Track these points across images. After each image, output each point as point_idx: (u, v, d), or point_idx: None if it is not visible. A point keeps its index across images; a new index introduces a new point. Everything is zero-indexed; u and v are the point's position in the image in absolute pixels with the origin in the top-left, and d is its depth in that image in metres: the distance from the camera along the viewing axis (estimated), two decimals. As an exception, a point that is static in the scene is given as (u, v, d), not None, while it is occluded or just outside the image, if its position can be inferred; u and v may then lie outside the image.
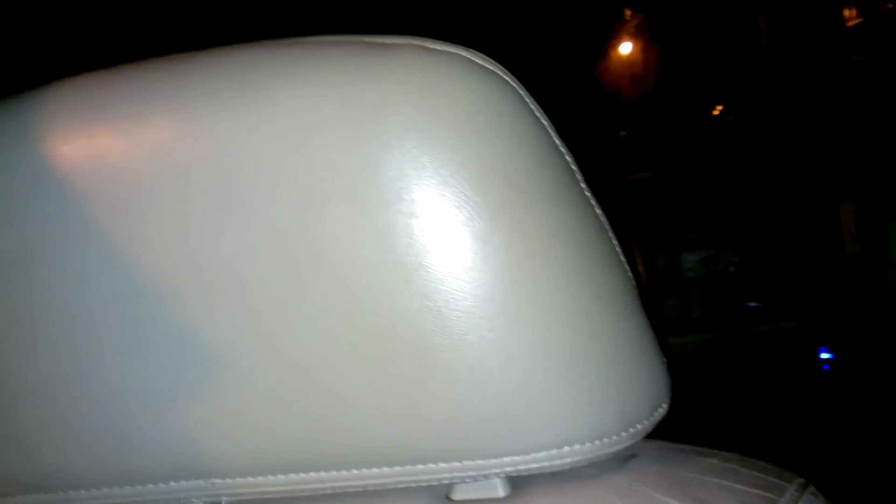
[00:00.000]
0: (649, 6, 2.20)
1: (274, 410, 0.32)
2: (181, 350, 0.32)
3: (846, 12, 2.09)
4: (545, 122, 0.31)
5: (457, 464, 0.32)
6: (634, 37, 2.26)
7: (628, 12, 2.23)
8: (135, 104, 0.31)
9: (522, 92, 0.31)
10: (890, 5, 1.99)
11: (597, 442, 0.32)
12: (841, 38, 2.02)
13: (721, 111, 2.10)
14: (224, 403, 0.32)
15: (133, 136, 0.31)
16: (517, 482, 0.35)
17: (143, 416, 0.34)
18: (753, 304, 1.44)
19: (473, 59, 0.30)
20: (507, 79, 0.30)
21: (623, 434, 0.32)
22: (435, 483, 0.33)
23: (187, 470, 0.34)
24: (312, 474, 0.34)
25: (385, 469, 0.33)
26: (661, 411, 0.34)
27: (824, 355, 1.41)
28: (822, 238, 1.39)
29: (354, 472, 0.33)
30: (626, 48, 2.29)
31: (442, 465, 0.32)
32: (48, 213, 0.33)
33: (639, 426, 0.33)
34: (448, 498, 0.34)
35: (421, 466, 0.33)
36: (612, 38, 2.27)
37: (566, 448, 0.32)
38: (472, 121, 0.29)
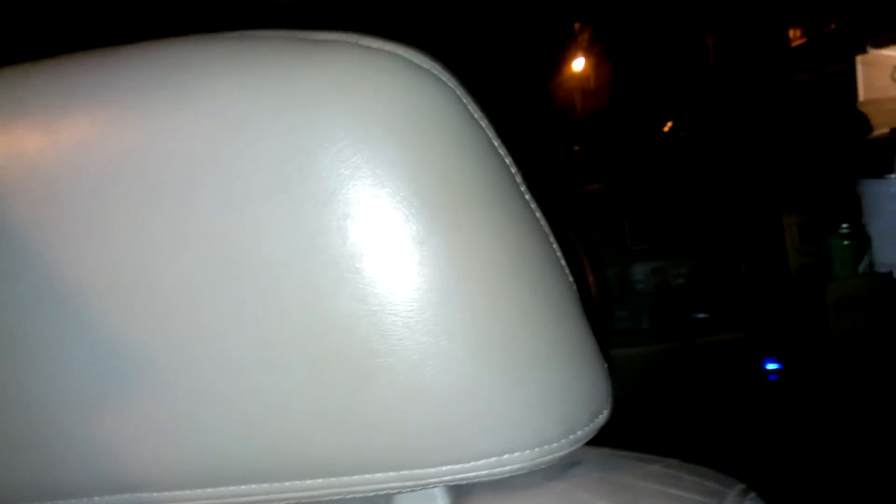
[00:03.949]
0: (601, 25, 2.24)
1: (201, 418, 0.31)
2: (103, 353, 0.31)
3: (791, 33, 2.15)
4: (483, 123, 0.30)
5: (394, 474, 0.31)
6: (586, 53, 2.30)
7: (577, 25, 2.26)
8: (54, 99, 0.30)
9: (460, 92, 0.30)
10: (833, 26, 2.06)
11: (537, 449, 0.31)
12: (786, 57, 2.08)
13: (671, 127, 2.14)
14: (148, 410, 0.31)
15: (52, 133, 0.29)
16: (458, 491, 0.34)
17: (63, 425, 0.32)
18: (701, 316, 1.46)
19: (409, 57, 0.29)
20: (444, 78, 0.30)
21: (563, 441, 0.32)
22: (373, 494, 0.32)
23: (113, 483, 0.32)
24: (244, 487, 0.32)
25: (320, 480, 0.32)
26: (602, 418, 0.33)
27: (770, 366, 1.44)
28: (767, 250, 1.42)
29: (287, 484, 0.32)
30: (578, 64, 2.32)
31: (379, 475, 0.31)
32: None
33: (579, 433, 0.32)
34: None
35: (357, 477, 0.32)
36: (565, 54, 2.30)
37: (506, 456, 0.31)
38: (408, 119, 0.29)
